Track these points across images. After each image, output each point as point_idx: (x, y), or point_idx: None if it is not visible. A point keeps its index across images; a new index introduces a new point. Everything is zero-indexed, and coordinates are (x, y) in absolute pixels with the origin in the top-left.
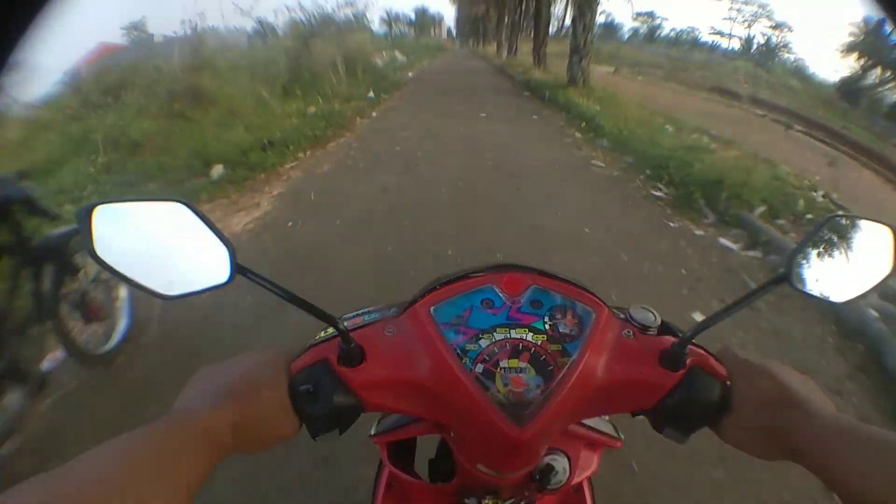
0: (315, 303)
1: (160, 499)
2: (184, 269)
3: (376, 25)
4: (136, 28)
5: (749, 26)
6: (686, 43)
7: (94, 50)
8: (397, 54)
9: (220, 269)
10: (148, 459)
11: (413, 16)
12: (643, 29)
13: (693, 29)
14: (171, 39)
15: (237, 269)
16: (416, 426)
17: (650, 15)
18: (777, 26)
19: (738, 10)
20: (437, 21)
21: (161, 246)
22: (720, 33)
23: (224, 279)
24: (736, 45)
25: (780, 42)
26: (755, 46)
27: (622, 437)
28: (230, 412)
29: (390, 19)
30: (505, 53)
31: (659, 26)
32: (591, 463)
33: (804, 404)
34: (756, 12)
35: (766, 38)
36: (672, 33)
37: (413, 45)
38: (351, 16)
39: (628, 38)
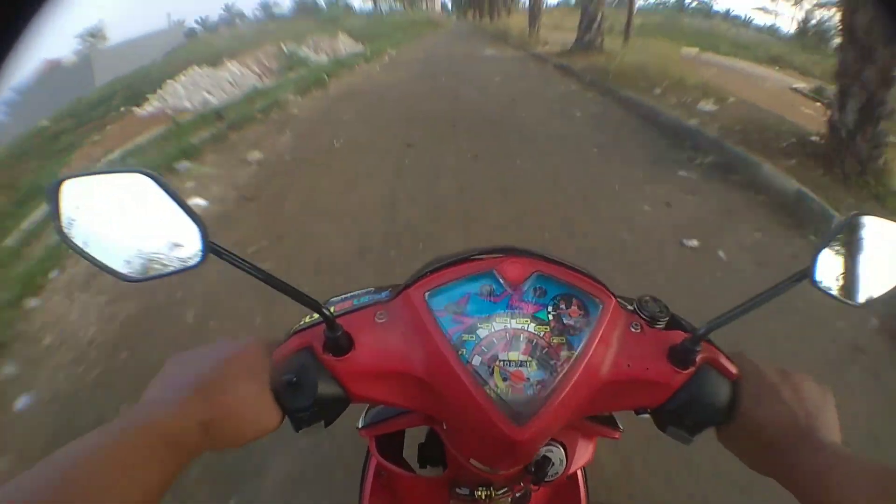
0: None
1: None
2: (153, 248)
3: (359, 1)
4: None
5: (796, 3)
6: (704, 12)
7: (38, 67)
8: (340, 42)
9: (191, 248)
10: (106, 467)
11: None
12: None
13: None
14: None
15: (209, 248)
16: (406, 418)
17: None
18: (823, 4)
19: None
20: None
21: (129, 222)
22: (763, 9)
23: (196, 260)
24: (782, 23)
25: (829, 22)
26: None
27: (621, 427)
28: (201, 407)
29: None
30: (560, 35)
31: None
32: (587, 453)
33: (809, 432)
34: None
35: (820, 19)
36: (696, 3)
37: (390, 21)
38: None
39: (651, 6)
